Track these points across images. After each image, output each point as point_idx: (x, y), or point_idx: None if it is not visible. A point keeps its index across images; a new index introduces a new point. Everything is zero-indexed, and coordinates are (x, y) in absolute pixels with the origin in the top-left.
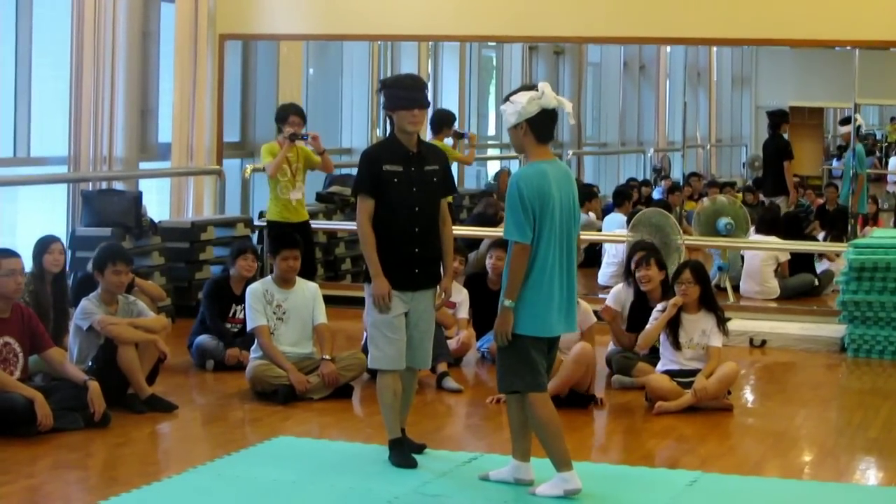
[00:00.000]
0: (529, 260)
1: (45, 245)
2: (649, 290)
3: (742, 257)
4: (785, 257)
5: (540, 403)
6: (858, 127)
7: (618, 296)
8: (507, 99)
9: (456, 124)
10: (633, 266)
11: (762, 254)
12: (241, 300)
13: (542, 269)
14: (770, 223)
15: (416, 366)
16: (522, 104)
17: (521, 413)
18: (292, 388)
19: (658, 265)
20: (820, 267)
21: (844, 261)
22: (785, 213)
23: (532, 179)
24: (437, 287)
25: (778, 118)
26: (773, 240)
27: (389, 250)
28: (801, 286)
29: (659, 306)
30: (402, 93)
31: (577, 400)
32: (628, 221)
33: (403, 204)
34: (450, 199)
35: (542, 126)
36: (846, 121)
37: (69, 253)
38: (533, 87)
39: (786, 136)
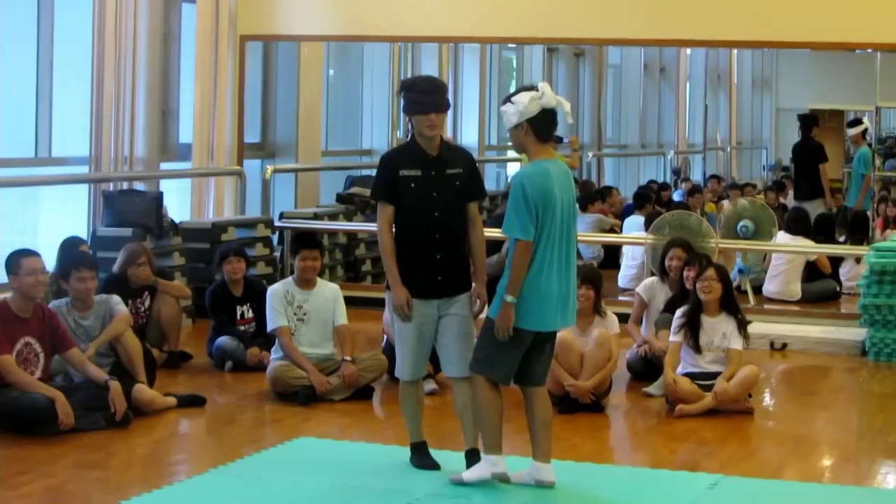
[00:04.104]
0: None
1: (76, 246)
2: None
3: (765, 257)
4: (815, 255)
5: (491, 386)
6: (865, 130)
7: (649, 288)
8: (507, 100)
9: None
10: (667, 263)
11: (788, 256)
12: (243, 301)
13: (542, 266)
14: (799, 224)
15: (448, 374)
16: (524, 104)
17: (540, 410)
18: (313, 389)
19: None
20: (843, 271)
21: (865, 264)
22: (819, 214)
23: (536, 178)
24: (469, 293)
25: (809, 121)
26: (800, 241)
27: (410, 257)
28: (822, 292)
29: (679, 312)
30: (420, 97)
31: (586, 405)
32: (647, 223)
33: (423, 209)
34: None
35: (542, 125)
36: (854, 123)
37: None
38: (533, 88)
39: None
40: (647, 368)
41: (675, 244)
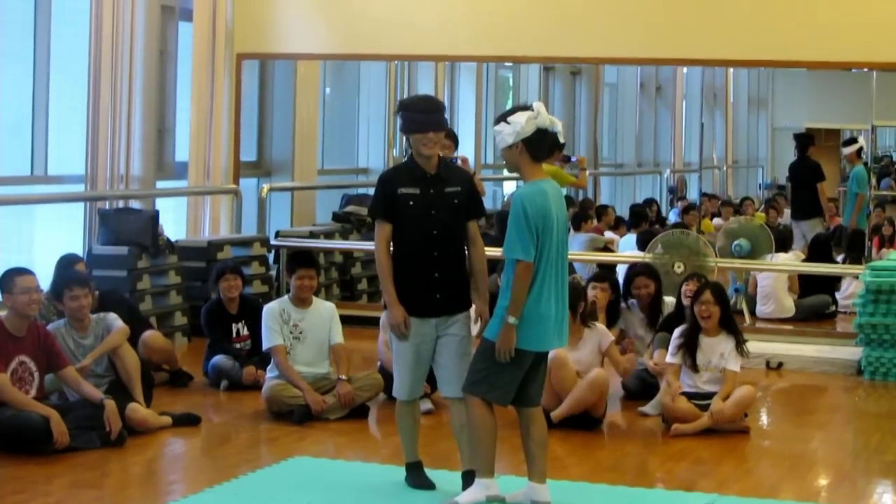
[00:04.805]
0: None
1: (72, 264)
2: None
3: (752, 279)
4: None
5: (487, 408)
6: (860, 148)
7: (622, 317)
8: (502, 119)
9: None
10: (634, 291)
11: (774, 275)
12: (238, 318)
13: (541, 286)
14: (782, 242)
15: (445, 394)
16: (521, 124)
17: (536, 430)
18: (308, 408)
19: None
20: (841, 291)
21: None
22: (815, 234)
23: (535, 198)
24: (470, 312)
25: (805, 140)
26: (787, 257)
27: (408, 275)
28: (816, 306)
29: (677, 331)
30: (417, 116)
31: (584, 422)
32: (638, 241)
33: (421, 227)
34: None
35: (537, 145)
36: (849, 142)
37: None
38: (528, 107)
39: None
40: (642, 387)
41: (638, 273)
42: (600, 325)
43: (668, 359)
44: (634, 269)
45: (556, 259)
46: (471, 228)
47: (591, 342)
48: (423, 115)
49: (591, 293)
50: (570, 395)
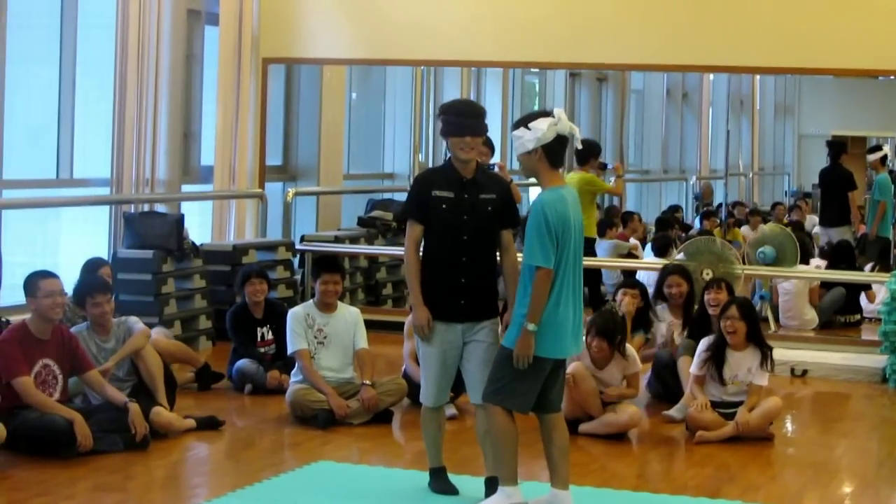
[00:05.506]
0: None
1: (96, 268)
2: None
3: (775, 288)
4: (815, 283)
5: (508, 416)
6: (885, 156)
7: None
8: (522, 124)
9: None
10: (666, 291)
11: (795, 289)
12: (263, 322)
13: (560, 292)
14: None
15: (473, 400)
16: (542, 130)
17: (558, 436)
18: (332, 413)
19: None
20: (864, 303)
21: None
22: (838, 241)
23: (556, 205)
24: (495, 320)
25: (838, 148)
26: (806, 269)
27: (435, 279)
28: (834, 302)
29: (703, 344)
30: (455, 119)
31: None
32: (653, 247)
33: (451, 231)
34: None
35: (556, 151)
36: (874, 149)
37: None
38: (548, 114)
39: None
40: (672, 361)
41: (671, 272)
42: (632, 354)
43: (694, 370)
44: (667, 269)
45: (573, 266)
46: (504, 237)
47: (618, 366)
48: (462, 119)
49: (619, 298)
50: (605, 421)
